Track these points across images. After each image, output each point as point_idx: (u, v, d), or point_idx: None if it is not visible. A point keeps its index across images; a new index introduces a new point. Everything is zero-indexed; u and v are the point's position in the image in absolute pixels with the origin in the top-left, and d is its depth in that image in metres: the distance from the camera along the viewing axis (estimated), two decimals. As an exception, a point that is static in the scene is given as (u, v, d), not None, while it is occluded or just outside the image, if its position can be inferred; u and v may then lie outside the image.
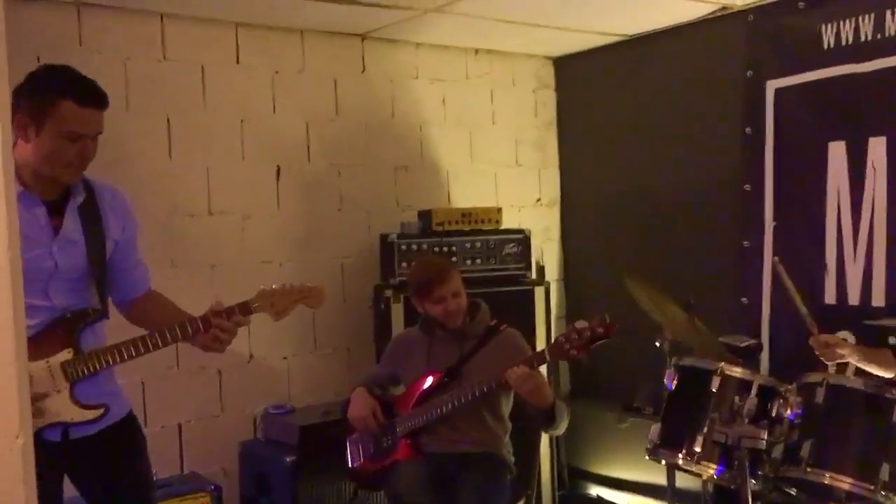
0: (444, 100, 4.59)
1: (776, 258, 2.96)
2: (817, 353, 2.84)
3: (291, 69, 4.09)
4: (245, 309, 2.28)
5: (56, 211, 2.27)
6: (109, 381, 2.38)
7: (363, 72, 4.33)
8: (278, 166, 4.07)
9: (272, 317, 2.30)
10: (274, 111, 4.04)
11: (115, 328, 2.44)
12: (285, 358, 4.08)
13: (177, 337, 2.29)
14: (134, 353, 2.26)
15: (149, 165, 3.69)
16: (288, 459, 3.48)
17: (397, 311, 3.88)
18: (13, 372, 1.27)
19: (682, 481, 3.11)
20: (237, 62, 3.93)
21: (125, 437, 2.40)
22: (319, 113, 4.18)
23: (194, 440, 3.80)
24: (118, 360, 2.26)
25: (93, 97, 2.23)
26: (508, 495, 3.17)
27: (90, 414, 2.23)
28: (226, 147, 3.91)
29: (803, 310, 2.89)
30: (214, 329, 2.27)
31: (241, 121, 3.95)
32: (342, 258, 4.26)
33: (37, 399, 2.16)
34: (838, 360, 2.85)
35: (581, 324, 2.86)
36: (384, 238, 4.04)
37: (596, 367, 4.65)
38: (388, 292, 3.93)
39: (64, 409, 2.19)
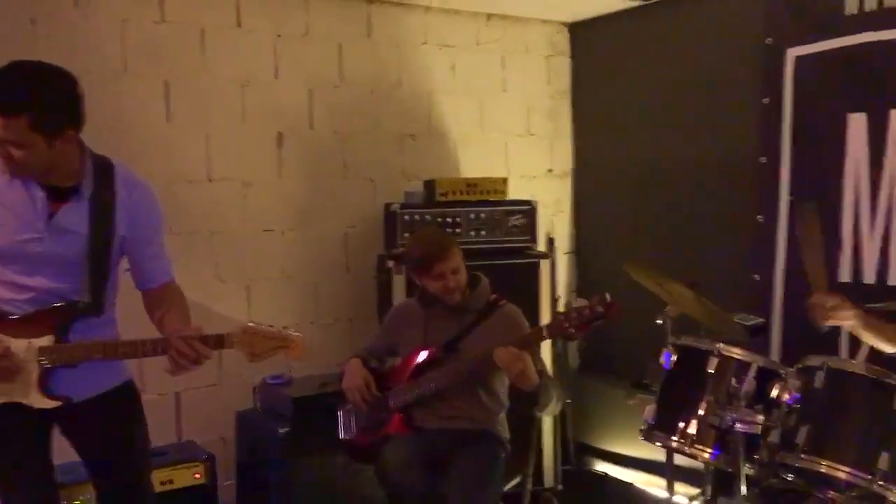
0: (453, 66, 4.47)
1: (813, 203, 2.69)
2: (809, 313, 2.57)
3: (295, 33, 4.00)
4: (220, 342, 2.22)
5: (62, 198, 2.23)
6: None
7: (369, 36, 4.22)
8: (280, 133, 4.00)
9: (247, 357, 2.25)
10: (276, 76, 3.96)
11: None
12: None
13: (137, 354, 2.25)
14: (106, 356, 2.25)
15: (146, 130, 3.64)
16: (281, 430, 3.45)
17: (399, 282, 3.82)
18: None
19: (685, 461, 3.03)
20: (238, 25, 3.85)
21: (120, 404, 2.41)
22: (323, 79, 4.09)
23: (192, 409, 3.79)
24: (93, 357, 2.24)
25: None
26: (502, 473, 3.11)
27: (48, 403, 2.23)
28: (226, 113, 3.85)
29: (820, 262, 2.64)
30: (172, 352, 2.20)
31: (242, 86, 3.88)
32: (346, 227, 4.20)
33: (10, 373, 2.19)
34: (831, 324, 2.58)
35: (581, 302, 2.78)
36: (387, 207, 3.97)
37: (606, 343, 4.57)
38: (391, 263, 3.86)
39: (25, 390, 2.21)
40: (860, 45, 3.37)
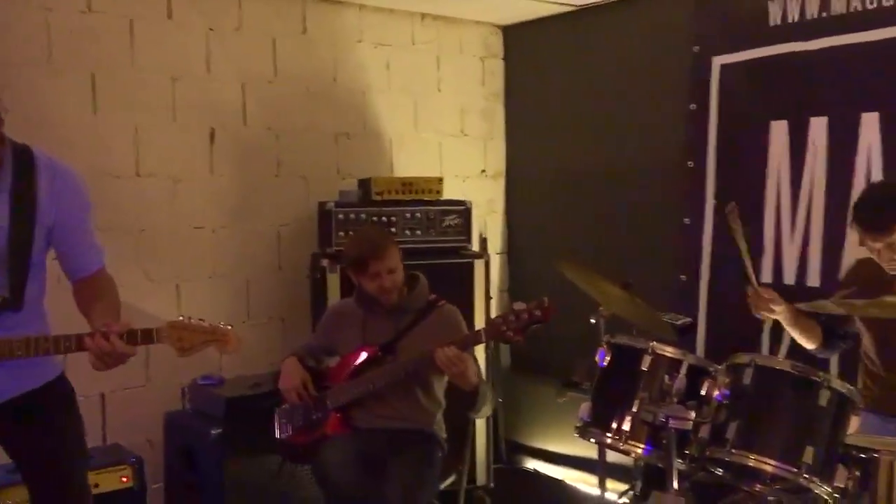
0: (388, 65, 4.46)
1: (732, 204, 2.82)
2: (749, 302, 2.82)
3: (227, 27, 3.93)
4: (148, 337, 2.15)
5: None
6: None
7: (304, 33, 4.17)
8: (212, 129, 3.92)
9: (176, 352, 2.19)
10: (208, 71, 3.88)
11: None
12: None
13: (60, 350, 2.17)
14: (27, 353, 2.15)
15: (71, 123, 3.52)
16: (214, 432, 3.38)
17: (334, 282, 3.80)
18: None
19: (616, 457, 3.10)
20: (169, 17, 3.76)
21: (51, 402, 2.32)
22: (257, 74, 4.03)
23: (118, 411, 3.68)
24: (15, 355, 2.14)
25: None
26: (439, 472, 3.13)
27: None
28: (156, 107, 3.75)
29: (748, 260, 2.82)
30: (92, 348, 2.12)
31: (173, 80, 3.79)
32: (279, 226, 4.14)
33: None
34: (768, 316, 2.85)
35: (519, 305, 2.81)
36: (322, 206, 3.93)
37: (537, 342, 4.62)
38: (325, 262, 3.83)
39: None
40: (783, 54, 3.51)
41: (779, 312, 2.82)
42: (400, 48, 4.50)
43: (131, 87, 3.67)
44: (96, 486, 3.17)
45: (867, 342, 2.80)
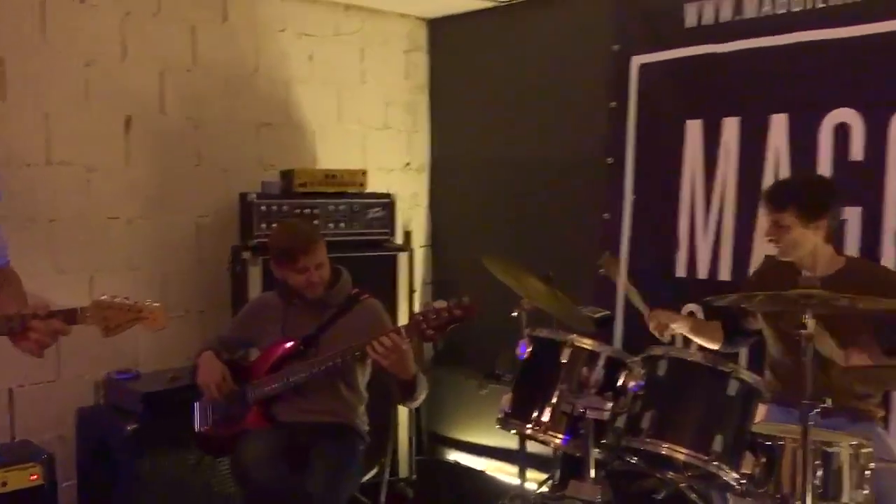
0: (311, 56, 4.41)
1: (606, 254, 3.22)
2: (651, 330, 3.01)
3: (145, 11, 3.82)
4: (71, 318, 2.08)
5: None
6: None
7: (225, 21, 4.09)
8: (128, 116, 3.80)
9: (102, 332, 2.12)
10: (124, 57, 3.76)
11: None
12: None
13: None
14: None
15: (-23, 108, 3.37)
16: (129, 427, 3.30)
17: (255, 274, 3.75)
18: None
19: (536, 447, 3.16)
20: (82, 0, 3.62)
21: None
22: (175, 62, 3.93)
23: (27, 406, 3.54)
24: None
25: None
26: (361, 465, 3.13)
27: None
28: (68, 92, 3.62)
29: (636, 297, 3.10)
30: (29, 331, 2.06)
31: (86, 65, 3.66)
32: (198, 217, 4.05)
33: None
34: (671, 333, 3.06)
35: (440, 304, 2.81)
36: (243, 197, 3.87)
37: (459, 335, 4.66)
38: (246, 254, 3.78)
39: None
40: (698, 56, 3.62)
41: (680, 327, 3.06)
42: (323, 39, 4.45)
43: (42, 71, 3.53)
44: (4, 484, 3.07)
45: (769, 337, 2.93)
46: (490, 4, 4.47)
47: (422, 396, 3.02)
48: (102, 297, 2.13)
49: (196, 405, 3.13)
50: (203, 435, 3.14)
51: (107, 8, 3.70)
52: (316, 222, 3.89)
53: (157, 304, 2.17)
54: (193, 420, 3.12)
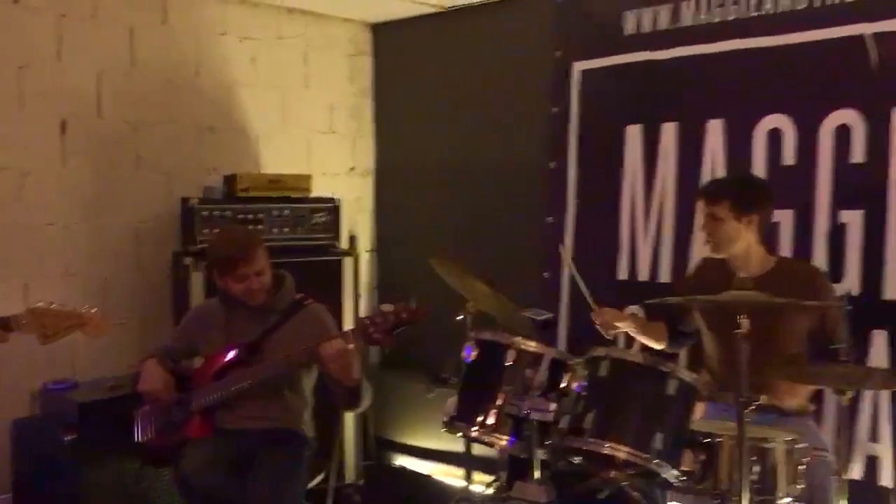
0: (254, 59, 4.38)
1: (562, 245, 3.27)
2: (596, 325, 3.05)
3: (81, 13, 3.74)
4: (6, 325, 2.03)
5: None
6: None
7: (164, 23, 4.03)
8: (64, 120, 3.72)
9: (39, 339, 2.07)
10: (59, 59, 3.68)
11: None
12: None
13: None
14: None
15: None
16: (67, 438, 3.22)
17: (197, 280, 3.70)
18: None
19: (481, 450, 3.18)
20: (15, 1, 3.54)
21: None
22: (113, 64, 3.86)
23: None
24: None
25: None
26: (306, 471, 3.11)
27: None
28: (1, 95, 3.52)
29: (584, 289, 3.13)
30: None
31: (20, 67, 3.57)
32: (138, 223, 3.98)
33: None
34: (616, 332, 3.12)
35: (387, 307, 2.81)
36: (185, 202, 3.82)
37: (406, 339, 4.66)
38: (188, 260, 3.72)
39: None
40: (637, 62, 3.70)
41: (626, 325, 3.12)
42: (266, 42, 4.42)
43: (-26, 73, 3.44)
44: (-67, 500, 2.97)
45: (706, 338, 3.01)
46: (434, 10, 4.49)
47: (366, 403, 3.01)
48: (38, 304, 2.08)
49: (137, 415, 3.07)
50: (145, 445, 3.07)
51: (42, 10, 3.62)
52: (260, 227, 3.85)
53: (94, 310, 2.13)
54: (135, 430, 3.06)
